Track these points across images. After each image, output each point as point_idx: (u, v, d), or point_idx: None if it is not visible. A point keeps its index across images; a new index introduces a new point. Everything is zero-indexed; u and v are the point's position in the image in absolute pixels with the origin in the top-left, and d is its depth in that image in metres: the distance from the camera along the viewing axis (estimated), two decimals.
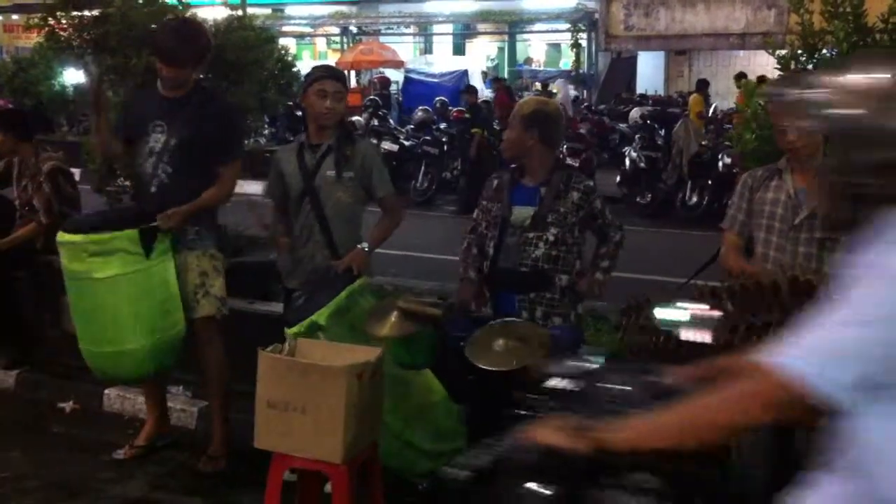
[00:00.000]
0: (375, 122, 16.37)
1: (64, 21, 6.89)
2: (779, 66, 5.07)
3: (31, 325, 6.16)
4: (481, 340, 3.71)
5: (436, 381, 4.28)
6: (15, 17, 26.61)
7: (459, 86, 22.75)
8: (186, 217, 4.49)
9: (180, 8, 7.10)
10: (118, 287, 4.32)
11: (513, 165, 4.35)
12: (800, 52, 4.89)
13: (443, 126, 16.17)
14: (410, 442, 4.05)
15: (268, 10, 22.09)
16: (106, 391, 5.63)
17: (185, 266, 4.57)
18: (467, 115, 14.73)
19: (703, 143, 13.26)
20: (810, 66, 4.91)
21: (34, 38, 8.66)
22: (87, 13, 6.85)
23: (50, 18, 6.90)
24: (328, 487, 3.75)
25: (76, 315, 4.50)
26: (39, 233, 5.94)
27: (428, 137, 15.08)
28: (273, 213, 4.69)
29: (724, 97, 19.50)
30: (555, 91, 20.26)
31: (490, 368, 3.51)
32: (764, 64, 15.36)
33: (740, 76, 16.03)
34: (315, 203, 4.43)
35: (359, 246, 4.40)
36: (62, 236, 4.40)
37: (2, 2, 27.15)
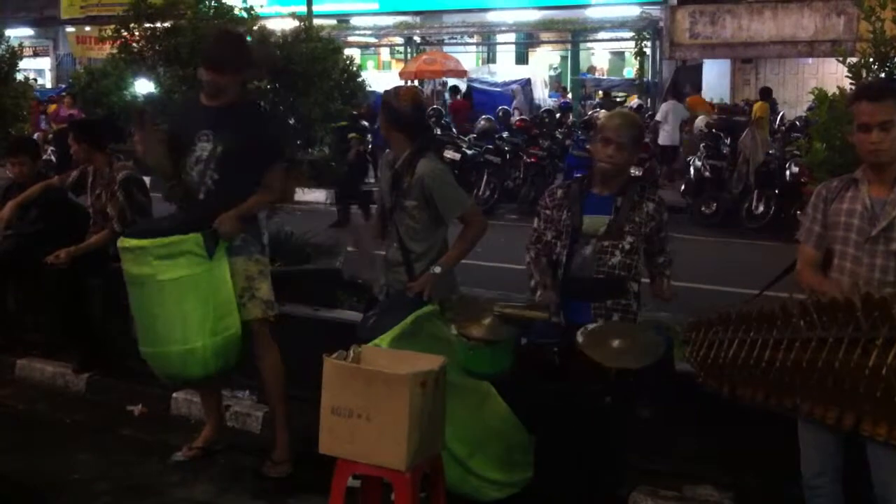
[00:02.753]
0: (438, 131, 16.42)
1: (136, 33, 7.05)
2: (850, 75, 4.98)
3: (101, 330, 6.30)
4: (593, 338, 3.74)
5: (504, 406, 4.28)
6: (87, 28, 27.26)
7: (522, 95, 22.78)
8: (238, 219, 4.62)
9: (249, 19, 7.22)
10: (185, 287, 4.48)
11: (577, 175, 4.34)
12: (871, 60, 4.80)
13: (505, 135, 16.17)
14: (474, 470, 4.06)
15: (333, 21, 22.31)
16: (174, 395, 5.74)
17: (232, 270, 4.68)
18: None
19: (770, 151, 13.06)
20: (882, 75, 4.81)
21: (107, 50, 8.85)
22: (158, 25, 7.01)
23: (123, 30, 7.08)
24: (393, 496, 3.77)
25: (139, 319, 4.67)
26: (112, 240, 6.06)
27: (490, 146, 15.09)
28: (376, 220, 4.80)
29: (793, 106, 19.19)
30: (626, 100, 20.19)
31: (618, 367, 3.60)
32: (833, 72, 15.12)
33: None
34: (393, 221, 4.54)
35: (432, 269, 4.41)
36: (126, 242, 4.56)
37: (75, 14, 27.84)
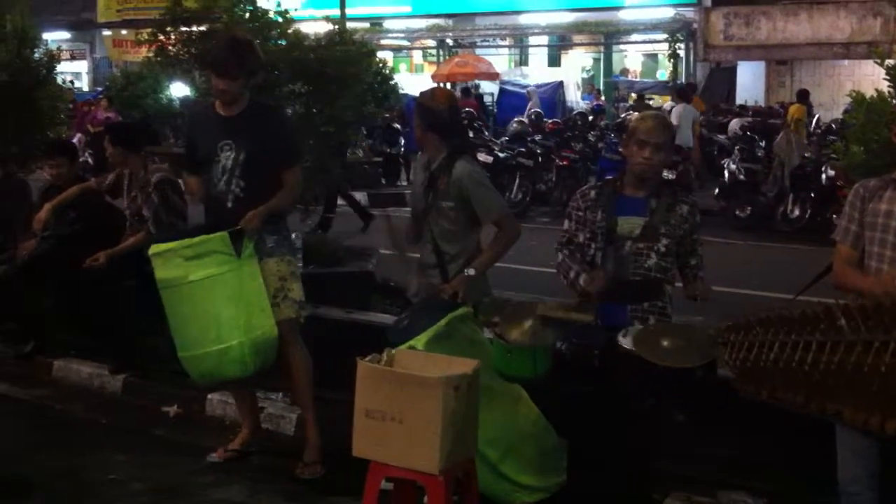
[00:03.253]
0: (470, 134, 16.43)
1: (172, 36, 7.12)
2: (888, 77, 4.93)
3: (137, 331, 6.33)
4: (644, 337, 3.73)
5: (536, 410, 4.25)
6: (124, 32, 27.57)
7: (554, 97, 22.73)
8: (263, 217, 4.66)
9: (283, 22, 7.26)
10: (215, 286, 4.53)
11: (609, 177, 4.33)
12: None
13: (537, 138, 16.14)
14: (505, 474, 4.05)
15: (366, 25, 22.40)
16: (209, 396, 5.77)
17: (265, 272, 4.72)
18: None
19: (806, 154, 12.93)
20: None
21: (142, 53, 8.95)
22: (194, 29, 7.07)
23: (159, 34, 7.14)
24: (426, 499, 3.77)
25: (174, 324, 4.70)
26: (148, 242, 6.12)
27: (522, 149, 15.07)
28: (410, 223, 4.80)
29: (829, 108, 19.00)
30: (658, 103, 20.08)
31: (673, 365, 3.57)
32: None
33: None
34: (428, 224, 4.56)
35: (465, 271, 4.41)
36: (155, 248, 4.64)
37: (111, 17, 28.16)
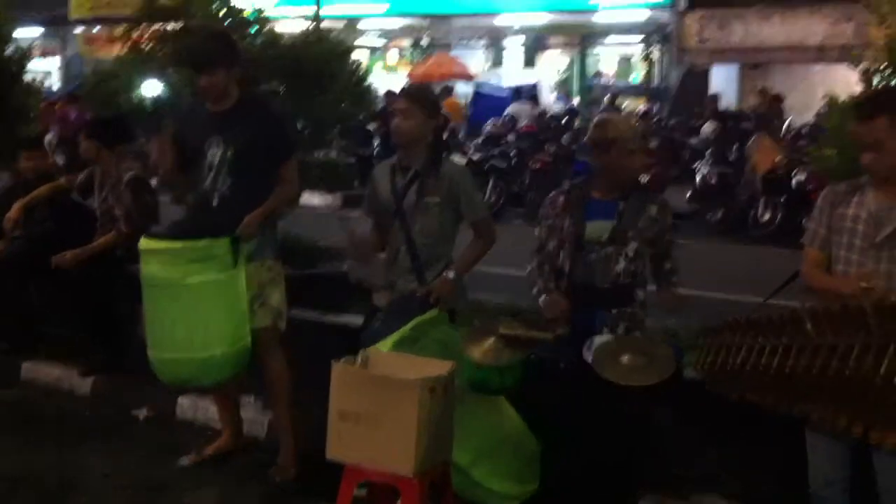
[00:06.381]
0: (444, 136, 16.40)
1: (147, 33, 7.06)
2: (862, 80, 4.97)
3: (108, 333, 6.26)
4: (604, 355, 3.72)
5: (515, 415, 4.22)
6: (96, 29, 27.31)
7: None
8: (260, 221, 4.55)
9: (258, 21, 7.22)
10: (211, 292, 4.39)
11: (577, 181, 4.33)
12: (886, 65, 4.78)
13: (511, 139, 16.13)
14: (476, 480, 4.00)
15: (341, 24, 22.32)
16: (179, 400, 5.72)
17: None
18: None
19: (778, 158, 13.01)
20: (894, 82, 4.80)
21: (115, 51, 8.86)
22: (169, 26, 7.01)
23: (133, 31, 7.08)
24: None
25: (154, 323, 4.52)
26: (119, 241, 6.07)
27: (496, 151, 15.07)
28: (371, 229, 4.70)
29: (801, 112, 19.11)
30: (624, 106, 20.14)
31: (631, 384, 3.58)
32: (840, 79, 15.08)
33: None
34: (404, 226, 4.44)
35: (445, 274, 4.38)
36: (154, 243, 4.46)
37: (84, 14, 27.89)
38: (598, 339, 3.89)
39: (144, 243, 4.49)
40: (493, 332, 3.96)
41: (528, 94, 20.52)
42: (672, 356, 3.73)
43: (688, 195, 13.70)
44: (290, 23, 9.28)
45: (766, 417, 3.39)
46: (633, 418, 3.82)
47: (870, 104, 3.45)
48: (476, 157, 14.85)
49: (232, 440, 5.12)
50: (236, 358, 4.52)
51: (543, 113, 18.17)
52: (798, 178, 12.00)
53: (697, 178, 13.65)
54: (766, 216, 12.45)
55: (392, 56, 29.23)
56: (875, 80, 4.86)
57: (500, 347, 3.90)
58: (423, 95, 4.65)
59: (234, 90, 4.67)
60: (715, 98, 18.40)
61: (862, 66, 4.97)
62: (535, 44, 26.69)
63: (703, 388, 3.57)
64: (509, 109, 19.41)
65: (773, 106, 16.94)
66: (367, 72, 8.46)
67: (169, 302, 4.45)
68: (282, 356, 4.80)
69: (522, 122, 17.85)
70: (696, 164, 14.27)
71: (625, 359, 3.69)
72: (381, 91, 19.37)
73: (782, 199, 12.25)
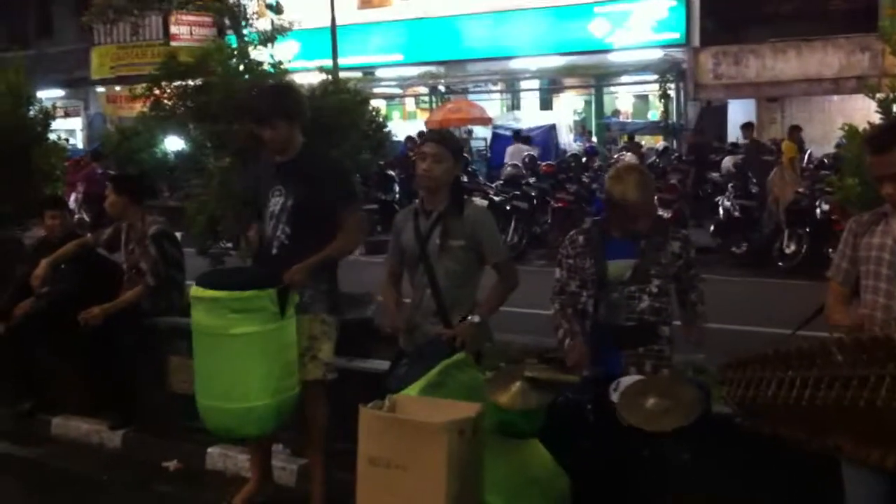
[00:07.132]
0: (465, 178, 16.49)
1: (167, 90, 7.16)
2: (879, 110, 4.97)
3: (136, 386, 6.29)
4: (628, 399, 3.68)
5: (545, 453, 4.16)
6: (117, 88, 27.75)
7: (547, 140, 22.84)
8: (310, 270, 4.55)
9: (277, 73, 7.31)
10: (254, 344, 4.38)
11: (597, 218, 4.32)
12: None
13: (532, 181, 16.21)
14: None
15: (359, 74, 22.56)
16: (209, 450, 5.72)
17: (296, 328, 4.61)
18: None
19: (800, 189, 12.99)
20: None
21: (137, 108, 9.00)
22: (189, 82, 7.12)
23: (155, 88, 7.19)
24: None
25: (200, 370, 4.54)
26: (146, 295, 6.13)
27: (517, 192, 15.13)
28: (387, 276, 4.72)
29: (819, 143, 19.08)
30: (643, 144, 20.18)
31: (653, 430, 3.53)
32: (859, 108, 15.04)
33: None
34: (428, 269, 4.44)
35: (469, 318, 4.37)
36: (201, 291, 4.46)
37: (105, 74, 28.36)
38: (625, 381, 3.85)
39: (193, 290, 4.52)
40: (518, 376, 3.93)
41: (524, 135, 20.76)
42: (699, 397, 3.69)
43: (711, 229, 13.68)
44: (308, 74, 9.38)
45: (800, 454, 3.35)
46: (660, 460, 3.77)
47: (884, 136, 3.44)
48: (497, 198, 14.90)
49: (260, 487, 5.10)
50: (279, 409, 4.50)
51: (534, 157, 18.27)
52: (821, 208, 11.96)
53: (720, 212, 13.64)
54: (791, 248, 12.39)
55: (410, 103, 29.49)
56: (894, 109, 4.85)
57: (525, 391, 3.87)
58: (451, 139, 4.75)
59: (298, 141, 4.75)
60: (750, 125, 18.39)
61: (879, 95, 4.97)
62: (551, 85, 26.86)
63: (732, 423, 3.53)
64: (508, 150, 19.64)
65: (791, 135, 16.92)
66: (386, 119, 8.54)
67: (212, 350, 4.46)
68: (327, 409, 4.78)
69: (511, 163, 17.95)
70: (719, 198, 14.27)
71: (650, 402, 3.64)
72: (400, 137, 19.57)
73: (807, 230, 12.20)
